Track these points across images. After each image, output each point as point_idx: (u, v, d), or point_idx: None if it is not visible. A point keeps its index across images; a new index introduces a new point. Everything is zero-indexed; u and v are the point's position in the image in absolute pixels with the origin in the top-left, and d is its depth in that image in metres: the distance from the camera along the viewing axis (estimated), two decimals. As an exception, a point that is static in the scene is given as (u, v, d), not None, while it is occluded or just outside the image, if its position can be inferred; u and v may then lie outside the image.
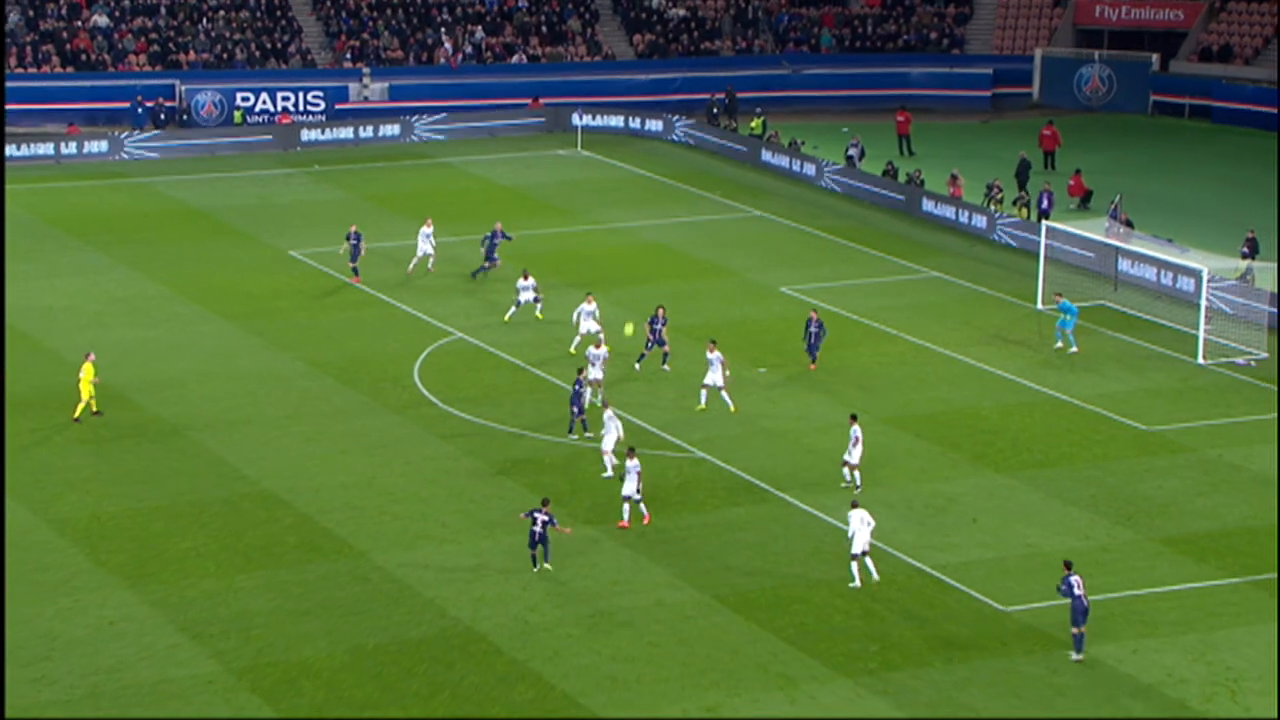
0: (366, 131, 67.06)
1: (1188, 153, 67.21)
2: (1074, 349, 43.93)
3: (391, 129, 67.28)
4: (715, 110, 68.64)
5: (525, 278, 46.59)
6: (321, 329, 46.21)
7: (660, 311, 42.92)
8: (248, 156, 64.50)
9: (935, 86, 73.70)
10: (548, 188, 61.67)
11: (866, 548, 32.07)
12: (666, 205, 59.58)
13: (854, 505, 32.51)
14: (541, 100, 70.62)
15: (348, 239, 49.74)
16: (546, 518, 32.49)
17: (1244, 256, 50.19)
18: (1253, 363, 44.22)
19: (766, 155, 64.16)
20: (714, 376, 40.07)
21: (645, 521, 34.21)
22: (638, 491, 34.22)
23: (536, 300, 46.28)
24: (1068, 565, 30.05)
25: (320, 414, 40.22)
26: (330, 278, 50.51)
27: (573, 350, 43.52)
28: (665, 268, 52.48)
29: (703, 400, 40.19)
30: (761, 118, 66.96)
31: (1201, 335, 44.59)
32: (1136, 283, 49.91)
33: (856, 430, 36.33)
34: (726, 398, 39.89)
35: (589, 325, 43.29)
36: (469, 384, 42.36)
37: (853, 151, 62.42)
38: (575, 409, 38.76)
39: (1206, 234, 54.24)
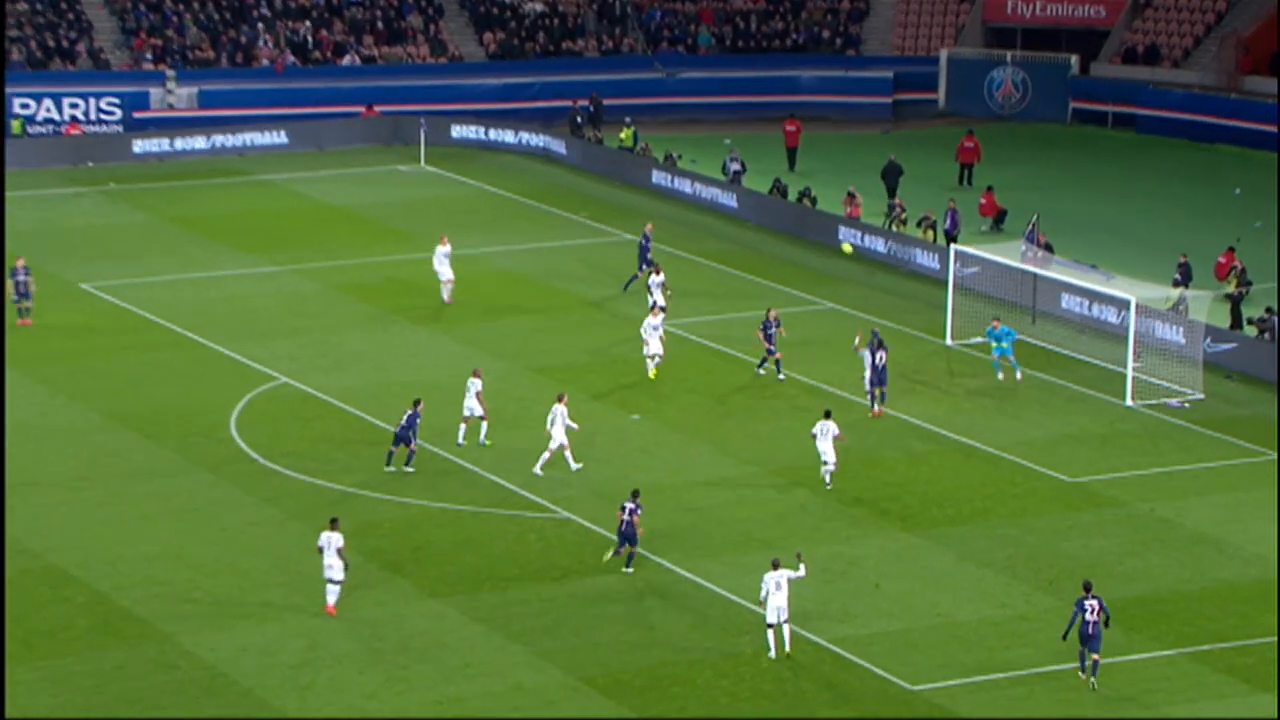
0: (171, 144, 66.47)
1: (1112, 166, 68.72)
2: (1017, 375, 44.99)
3: (201, 141, 66.78)
4: (579, 119, 68.98)
5: (657, 272, 48.83)
6: (121, 374, 45.61)
7: (771, 314, 45.19)
8: (29, 173, 63.56)
9: (829, 92, 74.73)
10: (387, 209, 61.46)
11: (783, 616, 32.21)
12: (523, 228, 59.67)
13: (774, 565, 32.65)
14: (378, 108, 70.47)
15: (12, 275, 48.46)
16: (634, 506, 34.93)
17: (1176, 284, 51.33)
18: (1186, 404, 45.21)
19: (638, 171, 64.54)
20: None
21: (328, 611, 33.44)
22: (342, 572, 33.36)
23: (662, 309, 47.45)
24: (1086, 587, 31.65)
25: (119, 474, 39.68)
26: (132, 315, 49.90)
27: (652, 375, 45.29)
28: (523, 299, 52.54)
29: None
30: (631, 128, 67.42)
31: (1130, 373, 45.52)
32: (1057, 314, 50.89)
33: (828, 428, 39.14)
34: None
35: (654, 345, 45.39)
36: (296, 436, 42.08)
37: (733, 166, 63.03)
38: (399, 442, 39.49)
39: (1134, 259, 55.44)
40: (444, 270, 51.21)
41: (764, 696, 31.34)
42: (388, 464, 39.94)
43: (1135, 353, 45.90)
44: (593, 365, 46.95)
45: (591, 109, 69.39)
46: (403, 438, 39.84)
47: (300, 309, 51.12)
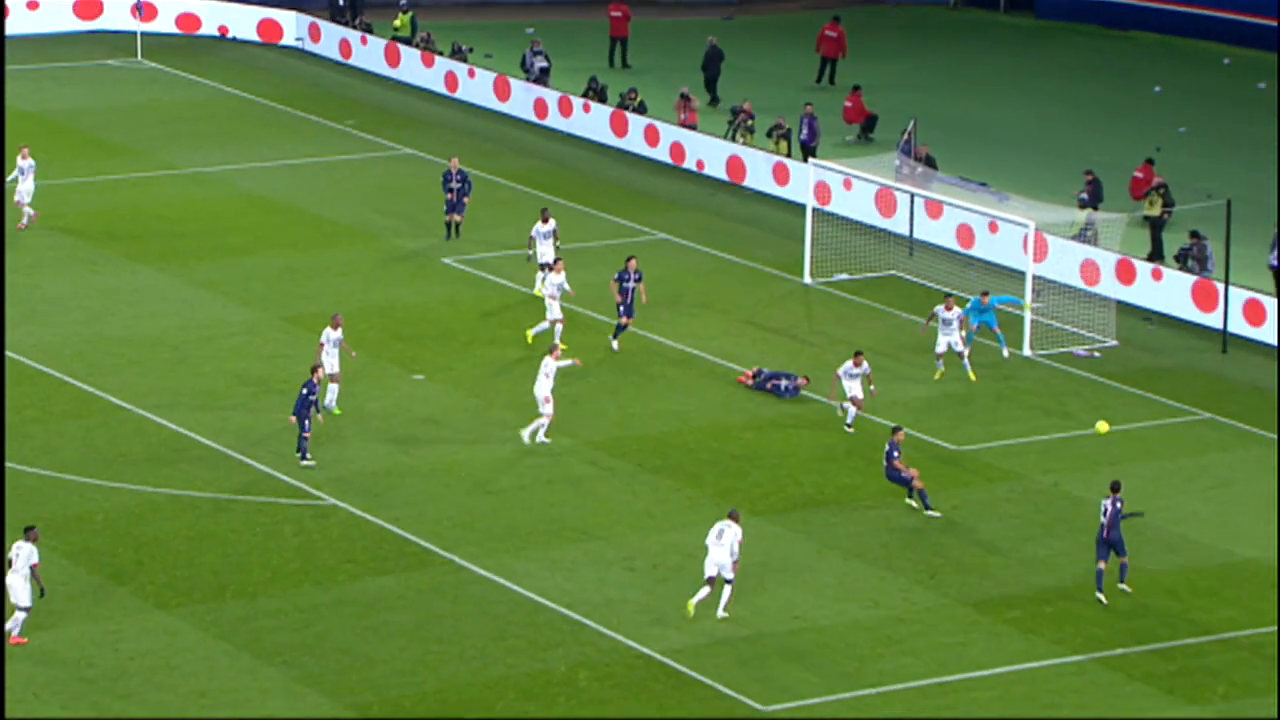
0: None
1: (1005, 60, 69.65)
2: (965, 348, 44.69)
3: None
4: (341, 2, 68.46)
5: (545, 220, 47.69)
6: None
7: (631, 264, 44.78)
8: None
9: (657, -32, 74.86)
10: (94, 115, 60.67)
11: (725, 574, 33.92)
12: (273, 140, 59.13)
13: (730, 515, 34.49)
14: (84, -13, 69.48)
15: None
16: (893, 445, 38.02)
17: (1082, 204, 52.28)
18: (1096, 353, 46.08)
19: (418, 68, 64.21)
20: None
21: (12, 641, 32.90)
22: (28, 597, 32.76)
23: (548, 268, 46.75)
24: (1114, 487, 35.38)
25: None
26: None
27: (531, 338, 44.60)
28: (274, 231, 52.16)
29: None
30: (409, 13, 67.09)
31: (1028, 316, 46.28)
32: (939, 244, 51.53)
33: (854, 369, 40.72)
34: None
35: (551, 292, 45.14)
36: (-19, 407, 41.49)
37: (537, 62, 62.89)
38: (303, 422, 39.00)
39: (1032, 174, 56.31)
40: (24, 189, 50.41)
41: (580, 724, 31.58)
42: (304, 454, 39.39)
43: (1034, 290, 46.65)
44: (364, 313, 46.71)
45: (357, -12, 68.97)
46: (302, 416, 38.89)
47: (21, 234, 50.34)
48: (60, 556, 35.59)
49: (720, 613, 34.15)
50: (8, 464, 39.09)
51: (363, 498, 38.25)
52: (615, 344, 44.77)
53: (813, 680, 32.74)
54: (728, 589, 34.22)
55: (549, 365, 40.25)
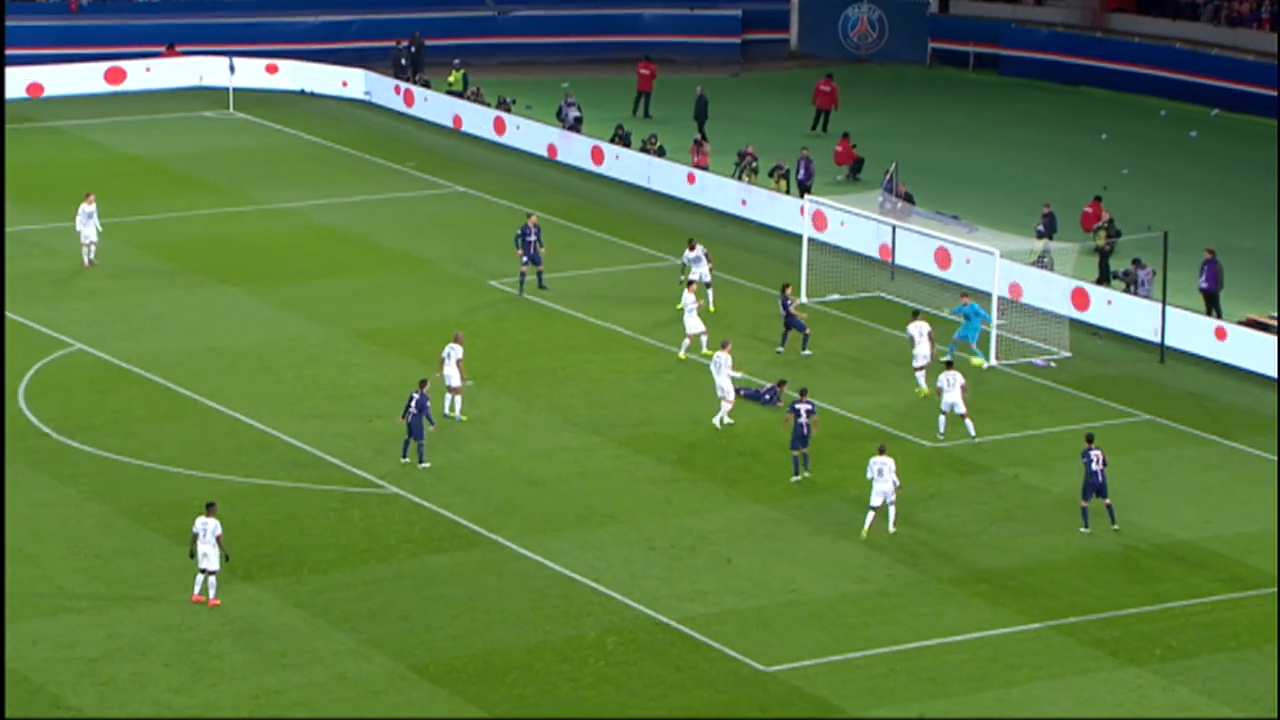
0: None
1: (974, 111, 69.62)
2: (984, 364, 44.67)
3: (-13, 84, 65.27)
4: (403, 61, 68.52)
5: (692, 248, 47.77)
6: (-102, 342, 44.71)
7: (786, 291, 45.83)
8: None
9: (673, 31, 74.83)
10: (192, 159, 60.74)
11: (889, 500, 36.26)
12: (344, 180, 59.22)
13: (880, 450, 36.72)
14: (179, 48, 69.51)
15: None
16: (809, 407, 38.28)
17: (1040, 235, 52.23)
18: (1052, 363, 46.06)
19: (470, 117, 64.27)
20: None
21: (210, 604, 33.26)
22: (217, 562, 33.12)
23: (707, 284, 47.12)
24: (1089, 439, 37.03)
25: (-103, 452, 38.95)
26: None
27: (683, 357, 44.76)
28: (344, 257, 52.22)
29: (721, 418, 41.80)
30: (461, 71, 67.10)
31: (994, 331, 46.26)
32: (917, 269, 51.52)
33: (955, 379, 40.70)
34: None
35: (694, 326, 44.94)
36: (93, 408, 41.55)
37: (571, 113, 62.91)
38: (412, 431, 38.61)
39: (998, 208, 56.30)
40: (87, 231, 49.76)
41: (608, 682, 31.52)
42: (404, 455, 38.98)
43: (1000, 309, 46.62)
44: (423, 327, 46.80)
45: (413, 49, 68.88)
46: (415, 427, 38.50)
47: (96, 269, 50.37)
48: (162, 537, 35.69)
49: (891, 528, 36.30)
50: (119, 457, 39.25)
51: (420, 487, 38.29)
52: (781, 349, 45.53)
53: (808, 644, 32.76)
54: (893, 510, 36.34)
55: (721, 359, 41.05)
